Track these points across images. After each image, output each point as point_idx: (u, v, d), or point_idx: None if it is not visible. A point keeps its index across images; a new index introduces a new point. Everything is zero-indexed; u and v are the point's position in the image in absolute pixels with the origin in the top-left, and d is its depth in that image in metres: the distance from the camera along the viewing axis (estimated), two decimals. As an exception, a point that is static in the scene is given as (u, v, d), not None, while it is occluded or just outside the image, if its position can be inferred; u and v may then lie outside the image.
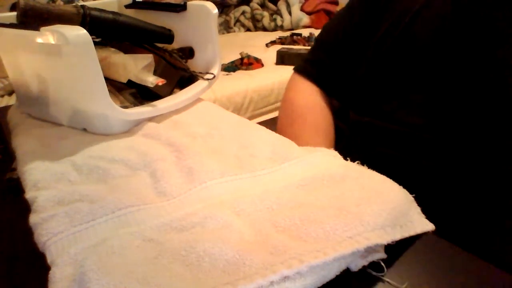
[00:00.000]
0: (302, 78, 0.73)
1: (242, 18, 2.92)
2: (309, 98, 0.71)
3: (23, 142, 0.52)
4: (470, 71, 0.50)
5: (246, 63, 2.00)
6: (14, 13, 0.54)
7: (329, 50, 0.70)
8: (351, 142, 0.63)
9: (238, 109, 1.76)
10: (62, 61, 0.49)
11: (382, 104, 0.58)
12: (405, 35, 0.56)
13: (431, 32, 0.53)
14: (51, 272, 0.32)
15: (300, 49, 2.09)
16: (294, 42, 2.36)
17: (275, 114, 1.83)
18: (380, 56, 0.59)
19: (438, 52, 0.53)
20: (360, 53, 0.64)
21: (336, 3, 2.89)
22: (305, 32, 2.53)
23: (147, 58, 0.57)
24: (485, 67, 0.49)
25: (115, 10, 0.66)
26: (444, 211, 0.46)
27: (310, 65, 0.73)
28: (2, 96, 1.65)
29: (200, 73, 0.65)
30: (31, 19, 0.51)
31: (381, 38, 0.59)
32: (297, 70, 0.75)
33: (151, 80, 0.54)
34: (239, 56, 2.04)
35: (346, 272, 0.33)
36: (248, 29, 2.92)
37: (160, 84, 0.54)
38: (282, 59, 2.02)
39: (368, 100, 0.61)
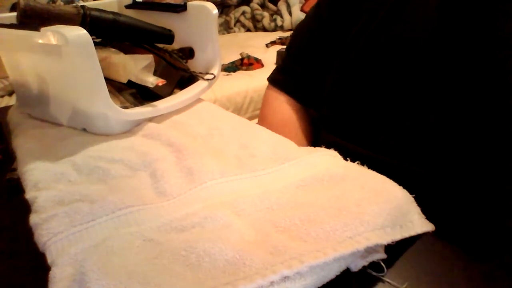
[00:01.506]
0: (276, 92, 0.69)
1: (242, 19, 2.92)
2: (284, 115, 0.67)
3: (23, 143, 0.52)
4: (466, 74, 0.45)
5: (246, 63, 2.00)
6: (14, 14, 0.54)
7: (300, 57, 0.65)
8: None
9: (238, 109, 1.76)
10: (62, 61, 0.49)
11: (353, 125, 0.53)
12: (377, 38, 0.49)
13: (413, 33, 0.48)
14: (51, 272, 0.32)
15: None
16: (294, 43, 2.35)
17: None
18: (349, 65, 0.53)
19: (422, 57, 0.47)
20: (329, 61, 0.58)
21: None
22: (305, 33, 2.53)
23: (147, 59, 0.57)
24: (485, 71, 0.44)
25: (115, 10, 0.66)
26: (444, 211, 0.46)
27: (282, 75, 0.69)
28: (2, 96, 1.65)
29: (200, 73, 0.65)
30: (31, 20, 0.51)
31: (351, 41, 0.53)
32: (271, 81, 0.71)
33: (151, 81, 0.54)
34: (239, 57, 2.04)
35: (346, 272, 0.33)
36: (248, 30, 2.92)
37: (160, 84, 0.54)
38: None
39: (337, 118, 0.56)
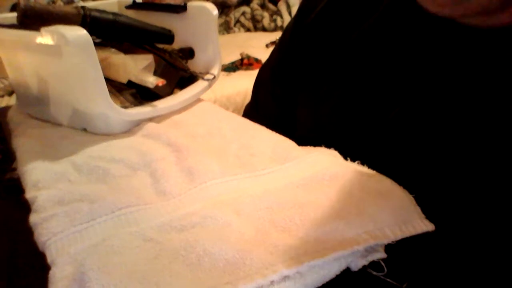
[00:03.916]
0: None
1: (242, 19, 2.92)
2: None
3: (23, 142, 0.52)
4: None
5: (246, 63, 2.00)
6: (14, 14, 0.54)
7: (268, 93, 0.66)
8: None
9: (238, 109, 1.75)
10: (62, 61, 0.49)
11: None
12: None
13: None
14: (51, 272, 0.32)
15: (300, 50, 2.09)
16: (294, 43, 2.36)
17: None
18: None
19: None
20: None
21: (336, 4, 2.88)
22: (305, 33, 2.53)
23: (147, 59, 0.57)
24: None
25: (116, 11, 0.66)
26: (444, 211, 0.46)
27: (251, 111, 0.70)
28: (2, 96, 1.65)
29: (200, 73, 0.65)
30: (31, 20, 0.51)
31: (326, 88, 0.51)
32: (246, 116, 0.71)
33: (151, 81, 0.54)
34: (239, 57, 2.04)
35: (346, 272, 0.33)
36: (248, 30, 2.92)
37: (160, 84, 0.54)
38: (282, 59, 2.01)
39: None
